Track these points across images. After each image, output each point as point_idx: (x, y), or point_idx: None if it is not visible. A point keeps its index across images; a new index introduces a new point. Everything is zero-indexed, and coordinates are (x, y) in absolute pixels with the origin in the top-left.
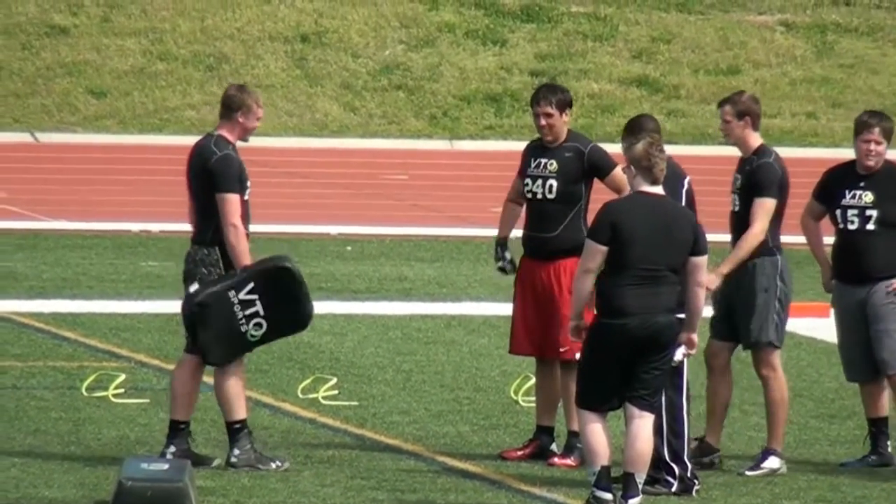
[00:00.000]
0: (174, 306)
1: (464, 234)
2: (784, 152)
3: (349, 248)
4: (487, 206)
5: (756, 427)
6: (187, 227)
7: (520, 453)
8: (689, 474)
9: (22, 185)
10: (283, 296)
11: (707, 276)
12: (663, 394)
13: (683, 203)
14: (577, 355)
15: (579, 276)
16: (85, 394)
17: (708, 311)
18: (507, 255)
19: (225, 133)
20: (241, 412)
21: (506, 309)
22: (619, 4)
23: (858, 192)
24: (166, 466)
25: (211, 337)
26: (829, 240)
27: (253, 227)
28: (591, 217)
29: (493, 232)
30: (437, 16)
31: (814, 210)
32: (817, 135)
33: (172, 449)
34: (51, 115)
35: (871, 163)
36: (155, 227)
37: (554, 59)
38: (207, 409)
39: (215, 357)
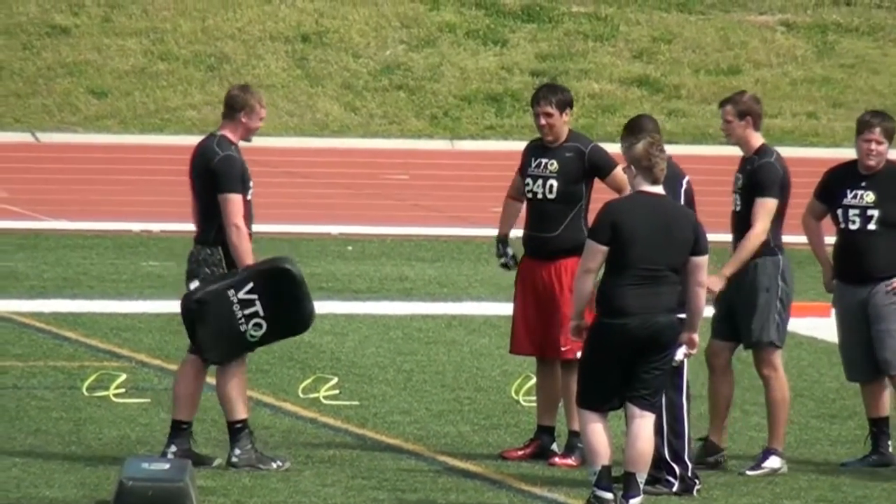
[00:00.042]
0: (175, 306)
1: (464, 234)
2: (785, 152)
3: (350, 247)
4: (488, 206)
5: (757, 427)
6: (188, 227)
7: (520, 453)
8: (689, 474)
9: (23, 185)
10: (283, 297)
11: (710, 279)
12: (663, 393)
13: (682, 203)
14: (578, 355)
15: (580, 276)
16: (86, 394)
17: (709, 311)
18: (509, 252)
19: (228, 133)
20: (242, 412)
21: (506, 309)
22: (619, 4)
23: (860, 192)
24: (167, 466)
25: (209, 335)
26: (830, 239)
27: (254, 227)
28: (591, 217)
29: (494, 232)
30: (437, 16)
31: (815, 209)
32: (818, 135)
33: (174, 448)
34: (52, 115)
35: (872, 162)
36: (156, 226)
37: (555, 59)
38: (208, 409)
39: (213, 356)
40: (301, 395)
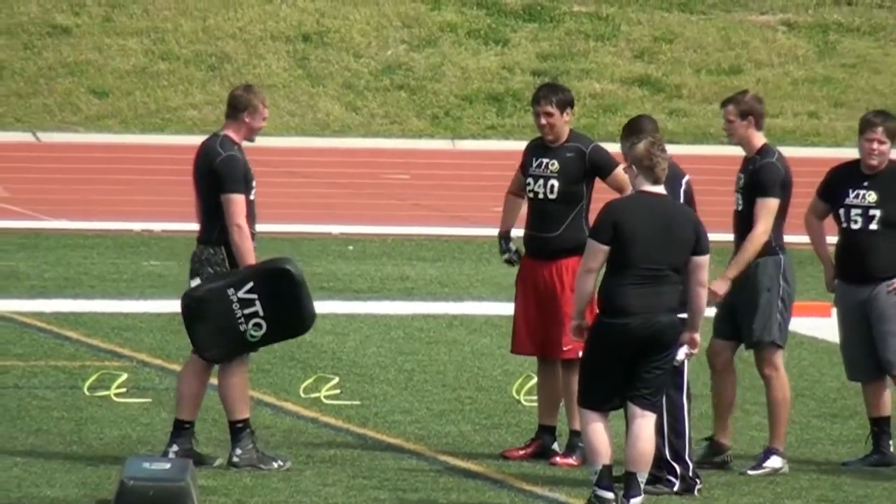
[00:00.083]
0: (176, 306)
1: (466, 234)
2: (786, 152)
3: (351, 247)
4: (489, 206)
5: (758, 426)
6: (189, 226)
7: (522, 453)
8: (690, 473)
9: (24, 185)
10: (283, 298)
11: (715, 283)
12: (664, 393)
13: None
14: (580, 354)
15: (581, 276)
16: (87, 393)
17: (710, 311)
18: (512, 247)
19: (231, 133)
20: (243, 412)
21: (507, 308)
22: (620, 4)
23: (862, 192)
24: (168, 466)
25: (207, 333)
26: (832, 239)
27: (256, 227)
28: (592, 217)
29: (495, 231)
30: (438, 15)
31: (817, 209)
32: (819, 134)
33: (175, 448)
34: (53, 115)
35: (874, 162)
36: (157, 226)
37: (556, 58)
38: (209, 409)
39: (212, 354)
40: (302, 395)
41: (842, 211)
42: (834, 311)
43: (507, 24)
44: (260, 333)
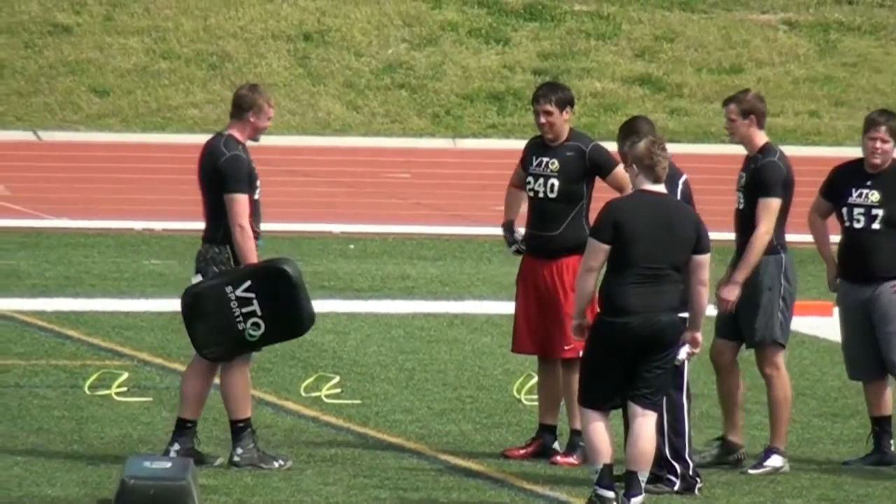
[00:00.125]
0: (177, 305)
1: (466, 233)
2: (787, 151)
3: (352, 246)
4: (490, 205)
5: (759, 426)
6: (190, 225)
7: (522, 452)
8: (690, 472)
9: (25, 184)
10: (281, 298)
11: (724, 289)
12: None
13: None
14: (580, 354)
15: (582, 275)
16: (88, 392)
17: (712, 310)
18: (518, 236)
19: (235, 133)
20: (245, 411)
21: (508, 307)
22: (621, 3)
23: (865, 191)
24: (169, 465)
25: (206, 331)
26: (835, 238)
27: (260, 226)
28: (592, 216)
29: (496, 231)
30: (440, 14)
31: (821, 207)
32: (820, 133)
33: (177, 447)
34: (53, 114)
35: (877, 161)
36: (158, 225)
37: (557, 57)
38: (210, 408)
39: (212, 353)
40: (303, 394)
41: (845, 210)
42: (836, 310)
43: (507, 22)
44: (259, 333)
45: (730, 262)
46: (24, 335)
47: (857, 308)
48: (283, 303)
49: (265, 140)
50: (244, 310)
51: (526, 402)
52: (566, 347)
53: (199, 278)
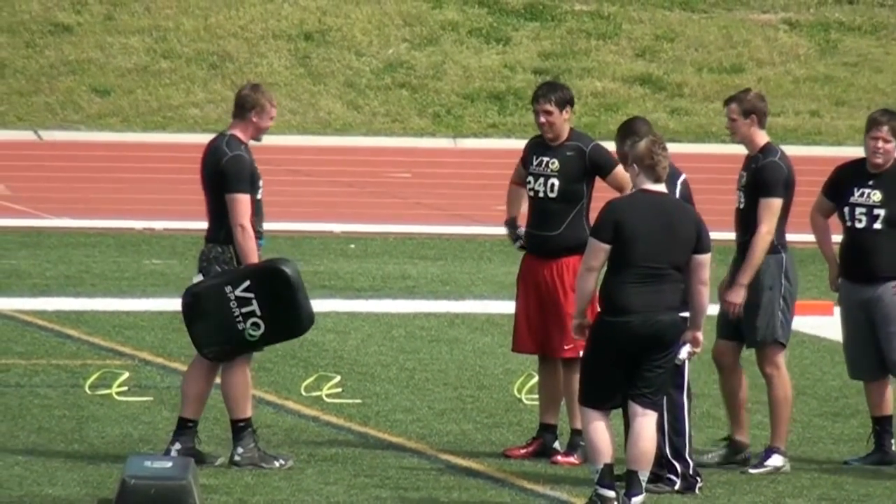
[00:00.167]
0: (177, 304)
1: (467, 233)
2: (788, 151)
3: (352, 246)
4: (491, 205)
5: (759, 425)
6: (191, 224)
7: (523, 451)
8: (691, 472)
9: (25, 183)
10: (280, 298)
11: (730, 293)
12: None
13: None
14: (581, 353)
15: (582, 275)
16: (88, 392)
17: (713, 310)
18: (521, 232)
19: (238, 133)
20: (246, 410)
21: (509, 307)
22: (622, 3)
23: (867, 191)
24: (170, 464)
25: (206, 330)
26: (837, 238)
27: (263, 226)
28: (593, 215)
29: (497, 230)
30: (440, 14)
31: (823, 207)
32: (821, 133)
33: (178, 446)
34: (54, 114)
35: (879, 160)
36: (158, 224)
37: (557, 57)
38: (211, 407)
39: (212, 352)
40: (303, 394)
41: (846, 209)
42: (837, 309)
43: (508, 22)
44: (259, 333)
45: (731, 262)
46: (25, 335)
47: (859, 308)
48: (281, 303)
49: (265, 139)
50: (244, 310)
51: (526, 402)
52: (566, 347)
53: (199, 278)
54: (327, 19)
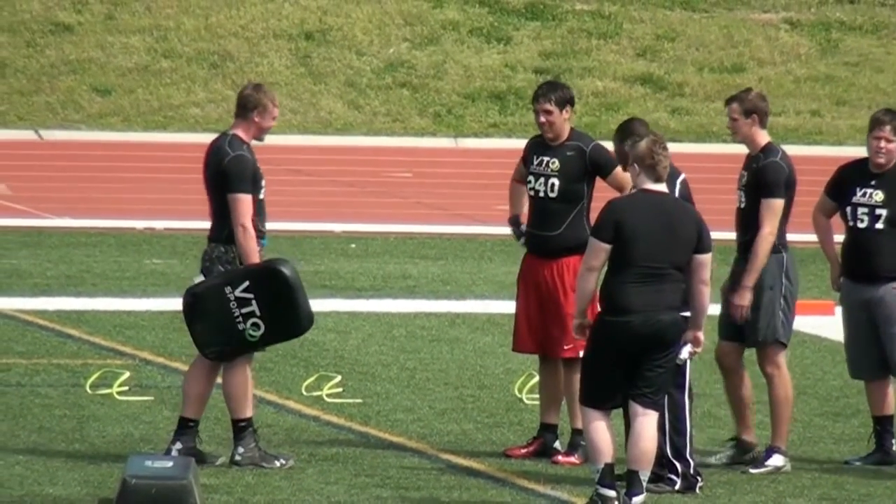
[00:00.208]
0: (178, 304)
1: (468, 232)
2: (789, 150)
3: (353, 245)
4: (492, 204)
5: (760, 425)
6: (191, 224)
7: (524, 451)
8: (692, 471)
9: (26, 183)
10: (279, 299)
11: (736, 296)
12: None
13: None
14: (581, 353)
15: (583, 275)
16: (89, 391)
17: (714, 310)
18: (524, 229)
19: (240, 132)
20: (247, 410)
21: (509, 307)
22: (623, 2)
23: (869, 191)
24: (170, 464)
25: (207, 330)
26: (839, 237)
27: (265, 226)
28: (593, 215)
29: (497, 230)
30: (441, 13)
31: (825, 206)
32: (821, 133)
33: (179, 445)
34: (55, 113)
35: (881, 160)
36: (159, 224)
37: (558, 56)
38: (212, 407)
39: (212, 352)
40: (304, 393)
41: (849, 209)
42: (838, 309)
43: (509, 22)
44: (259, 333)
45: (733, 263)
46: (26, 334)
47: (860, 307)
48: (280, 303)
49: (266, 139)
50: (244, 310)
51: (527, 402)
52: (567, 347)
53: (200, 278)
54: (328, 19)
